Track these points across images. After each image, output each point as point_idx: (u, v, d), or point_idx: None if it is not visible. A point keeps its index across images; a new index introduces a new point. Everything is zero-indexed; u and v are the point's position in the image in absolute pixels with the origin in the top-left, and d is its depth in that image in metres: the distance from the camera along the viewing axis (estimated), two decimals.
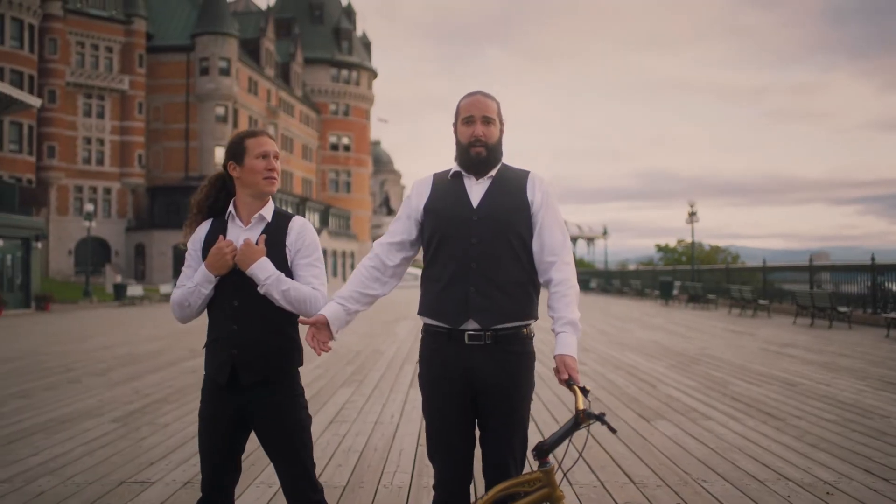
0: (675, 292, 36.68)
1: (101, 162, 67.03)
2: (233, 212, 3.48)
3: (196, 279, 3.41)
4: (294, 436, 3.41)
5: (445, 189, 3.37)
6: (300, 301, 3.35)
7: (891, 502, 5.29)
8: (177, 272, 64.18)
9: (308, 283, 3.40)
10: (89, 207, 43.64)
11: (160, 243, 67.58)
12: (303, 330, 3.39)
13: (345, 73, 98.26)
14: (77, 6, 65.18)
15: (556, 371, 3.17)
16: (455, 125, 3.43)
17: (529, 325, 3.34)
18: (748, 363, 13.14)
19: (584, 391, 2.98)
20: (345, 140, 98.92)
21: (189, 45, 71.16)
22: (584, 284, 57.86)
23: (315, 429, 7.78)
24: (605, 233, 71.48)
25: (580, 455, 3.33)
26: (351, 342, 16.63)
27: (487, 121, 3.37)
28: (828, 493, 5.53)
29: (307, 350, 3.56)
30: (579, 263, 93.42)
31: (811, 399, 9.48)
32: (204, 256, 3.42)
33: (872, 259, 22.32)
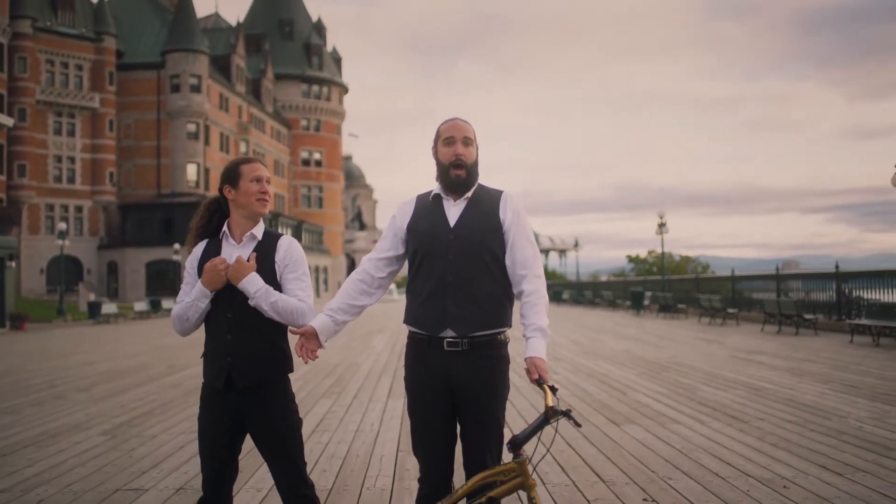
0: (646, 302, 37.19)
1: (72, 180, 66.90)
2: (226, 231, 3.82)
3: (193, 294, 3.73)
4: (286, 436, 3.72)
5: (426, 210, 3.73)
6: (287, 312, 3.65)
7: (843, 494, 5.67)
8: (150, 290, 64.17)
9: (295, 295, 3.71)
10: (62, 226, 43.54)
11: (133, 261, 67.48)
12: (293, 339, 3.72)
13: (315, 88, 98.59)
14: (47, 24, 65.10)
15: (528, 372, 3.52)
16: (435, 148, 3.78)
17: (504, 331, 3.68)
18: (716, 370, 13.56)
19: (553, 389, 3.33)
20: (316, 155, 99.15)
21: (160, 62, 71.27)
22: (556, 296, 58.34)
23: None
24: (576, 245, 72.13)
25: (548, 450, 3.68)
26: (329, 355, 16.89)
27: (467, 141, 3.73)
28: (784, 486, 5.91)
29: (294, 360, 3.88)
30: (552, 275, 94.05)
31: (774, 402, 9.89)
32: (200, 274, 3.74)
33: (837, 267, 22.90)
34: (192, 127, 71.41)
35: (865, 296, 21.40)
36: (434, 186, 3.79)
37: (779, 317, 22.32)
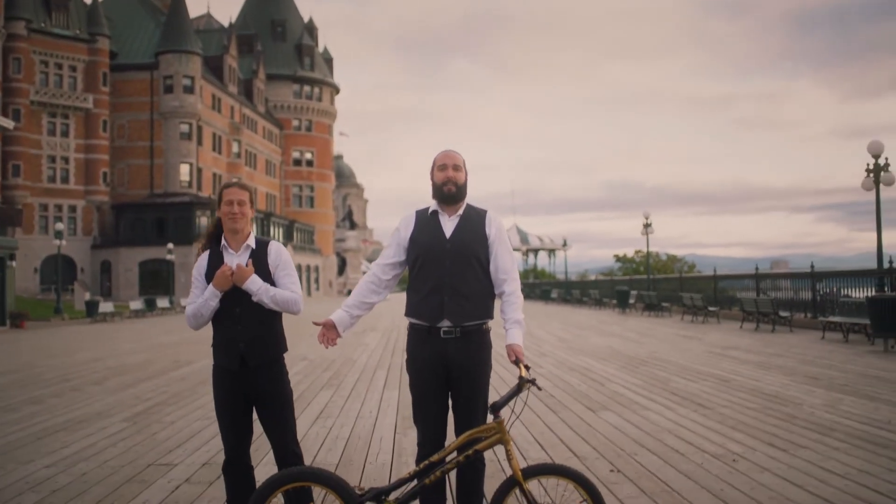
0: (631, 301, 38.10)
1: (65, 180, 67.53)
2: (225, 244, 4.76)
3: (206, 295, 4.66)
4: (284, 403, 4.69)
5: (426, 224, 4.62)
6: (284, 302, 4.63)
7: (782, 465, 6.56)
8: (143, 289, 65.03)
9: (287, 288, 4.67)
10: (59, 226, 44.24)
11: (126, 260, 68.18)
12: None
13: (307, 88, 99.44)
14: (41, 26, 65.70)
15: (508, 354, 4.42)
16: (432, 172, 4.69)
17: (487, 322, 4.59)
18: (691, 364, 14.45)
19: (527, 367, 4.23)
20: (307, 155, 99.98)
21: (153, 63, 71.99)
22: (545, 295, 59.29)
23: (304, 423, 8.96)
24: (564, 244, 73.13)
25: (517, 416, 4.58)
26: (325, 352, 17.71)
27: (457, 167, 4.64)
28: (734, 460, 6.80)
29: (286, 355, 4.79)
30: (541, 274, 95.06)
31: (740, 392, 10.78)
32: (208, 280, 4.68)
33: (812, 267, 23.86)
34: (184, 127, 72.10)
35: (854, 294, 22.12)
36: (431, 204, 4.67)
37: (756, 315, 23.25)
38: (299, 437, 7.94)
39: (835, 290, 23.07)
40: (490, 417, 4.28)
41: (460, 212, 4.62)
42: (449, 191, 4.58)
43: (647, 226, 41.48)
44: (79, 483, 6.48)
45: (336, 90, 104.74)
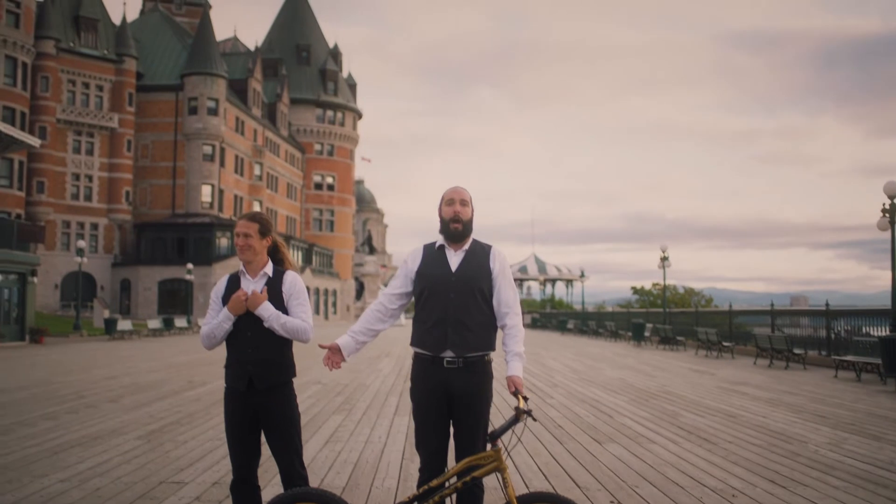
0: (647, 334, 38.08)
1: (88, 198, 68.31)
2: (243, 270, 5.00)
3: (220, 318, 4.88)
4: (291, 426, 4.86)
5: (433, 257, 4.80)
6: (294, 330, 4.80)
7: (781, 502, 6.67)
8: (161, 308, 65.50)
9: (298, 316, 4.86)
10: (81, 244, 44.77)
11: (146, 279, 68.71)
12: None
13: (330, 113, 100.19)
14: (70, 45, 66.75)
15: (508, 386, 4.59)
16: (440, 207, 4.87)
17: (489, 353, 4.75)
18: (701, 398, 14.52)
19: (525, 399, 4.39)
20: (329, 179, 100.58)
21: (178, 84, 72.85)
22: (561, 325, 59.27)
23: (314, 446, 9.13)
24: (582, 275, 73.10)
25: (518, 439, 4.72)
26: (338, 376, 17.89)
27: (463, 203, 4.83)
28: (733, 495, 6.91)
29: (300, 380, 4.96)
30: (558, 304, 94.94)
31: (746, 428, 10.86)
32: (224, 303, 4.90)
33: (827, 305, 23.85)
34: (207, 149, 72.84)
35: (874, 332, 21.89)
36: (438, 238, 4.85)
37: (770, 351, 23.26)
38: (309, 459, 8.18)
39: (854, 328, 22.97)
40: (489, 446, 4.44)
41: (466, 246, 4.80)
42: (455, 229, 4.76)
43: (664, 259, 41.52)
44: (92, 498, 6.66)
45: (359, 115, 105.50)
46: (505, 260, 4.86)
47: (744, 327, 31.51)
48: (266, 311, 4.78)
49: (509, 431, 4.33)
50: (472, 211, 4.86)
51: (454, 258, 4.77)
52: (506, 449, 4.43)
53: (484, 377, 4.71)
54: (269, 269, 4.96)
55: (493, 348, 4.76)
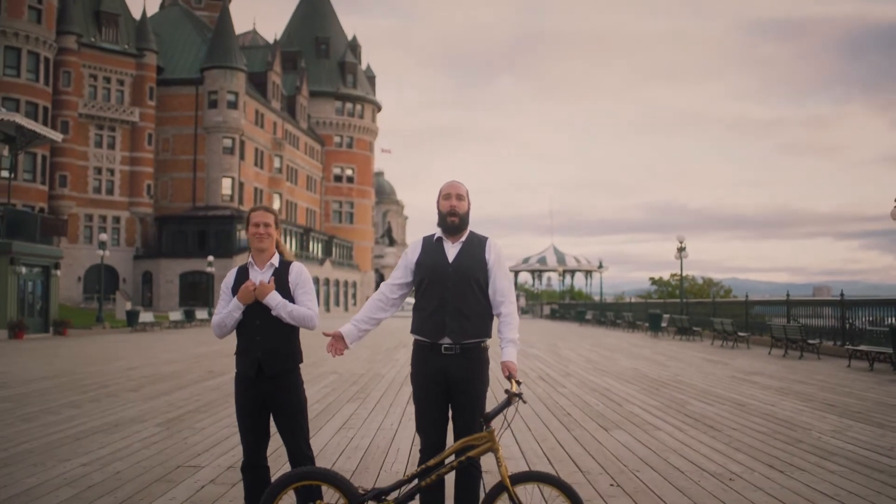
0: (663, 324, 38.19)
1: (110, 191, 68.97)
2: (251, 261, 5.27)
3: (230, 307, 5.15)
4: (298, 410, 5.15)
5: (431, 249, 5.05)
6: (300, 317, 5.07)
7: (776, 486, 6.87)
8: (183, 300, 66.16)
9: (305, 305, 5.12)
10: (103, 237, 45.26)
11: (167, 271, 69.33)
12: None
13: (349, 105, 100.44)
14: (91, 40, 67.31)
15: (502, 370, 4.82)
16: (438, 201, 5.10)
17: (485, 340, 4.99)
18: (711, 387, 14.70)
19: (518, 383, 4.62)
20: (348, 171, 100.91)
21: (198, 78, 73.36)
22: (580, 316, 59.40)
23: (326, 433, 9.41)
24: (600, 266, 73.22)
25: (508, 425, 4.97)
26: (355, 367, 18.17)
27: (460, 197, 5.07)
28: (731, 479, 7.13)
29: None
30: (577, 295, 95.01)
31: (752, 416, 11.04)
32: (234, 294, 5.17)
33: (842, 295, 23.93)
34: (227, 142, 73.34)
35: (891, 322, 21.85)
36: (436, 231, 5.09)
37: (785, 341, 23.37)
38: (322, 445, 8.45)
39: (876, 318, 22.87)
40: (484, 428, 4.67)
41: (463, 238, 5.03)
42: (452, 222, 5.00)
43: (681, 249, 41.61)
44: (112, 480, 6.96)
45: (378, 108, 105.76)
46: (500, 251, 5.09)
47: (761, 318, 31.57)
48: (274, 299, 5.03)
49: (502, 414, 4.57)
50: (469, 205, 5.09)
51: (451, 250, 5.00)
52: (501, 430, 4.66)
53: (480, 363, 4.94)
54: (275, 260, 5.21)
55: (489, 335, 5.00)
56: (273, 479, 4.97)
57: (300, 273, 5.23)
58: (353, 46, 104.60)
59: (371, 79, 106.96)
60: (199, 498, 6.41)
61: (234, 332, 5.21)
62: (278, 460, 7.24)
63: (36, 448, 8.48)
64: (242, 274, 5.23)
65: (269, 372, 5.05)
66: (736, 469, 7.54)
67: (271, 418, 5.17)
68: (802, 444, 8.88)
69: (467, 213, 5.07)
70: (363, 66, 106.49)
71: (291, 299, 5.12)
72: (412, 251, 5.13)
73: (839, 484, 6.94)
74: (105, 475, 7.16)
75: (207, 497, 6.44)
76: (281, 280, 5.15)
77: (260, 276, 5.17)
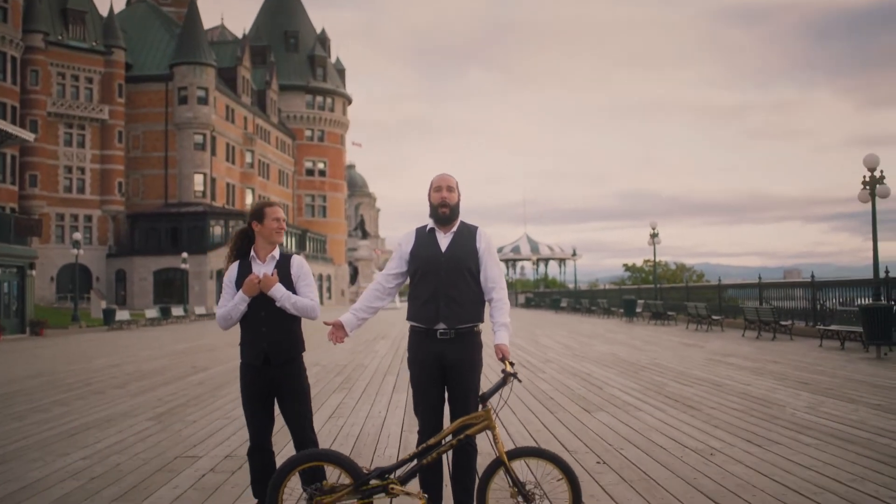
0: (638, 310, 38.62)
1: (81, 190, 68.62)
2: (254, 255, 5.46)
3: (235, 300, 5.34)
4: (302, 396, 5.39)
5: (424, 240, 5.28)
6: (303, 308, 5.30)
7: (755, 459, 7.17)
8: (157, 297, 66.07)
9: (307, 296, 5.36)
10: (77, 236, 45.16)
11: (141, 269, 69.12)
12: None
13: (319, 99, 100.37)
14: (58, 38, 66.88)
15: (496, 353, 5.07)
16: (429, 193, 5.33)
17: (478, 325, 5.24)
18: (688, 370, 15.04)
19: (511, 364, 4.88)
20: (320, 165, 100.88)
21: (167, 74, 73.07)
22: (555, 304, 59.88)
23: (316, 422, 9.42)
24: (574, 254, 73.71)
25: (505, 402, 5.22)
26: (337, 358, 18.37)
27: (450, 189, 5.30)
28: (711, 454, 7.42)
29: (309, 353, 5.46)
30: (552, 283, 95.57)
31: (730, 395, 11.37)
32: (237, 287, 5.36)
33: (812, 277, 24.42)
34: (199, 138, 73.14)
35: (861, 303, 22.32)
36: (428, 222, 5.32)
37: (758, 323, 23.81)
38: None
39: (847, 299, 23.33)
40: (480, 407, 4.92)
41: (454, 229, 5.27)
42: (443, 213, 5.23)
43: (654, 235, 42.07)
44: (114, 472, 7.15)
45: (348, 100, 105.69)
46: (490, 240, 5.33)
47: (734, 301, 32.07)
48: (278, 292, 5.25)
49: (497, 393, 4.82)
50: (459, 196, 5.33)
51: (444, 240, 5.23)
52: (497, 408, 4.92)
53: (474, 346, 5.19)
54: (276, 253, 5.43)
55: (481, 320, 5.24)
56: (278, 463, 5.20)
57: (301, 266, 5.46)
58: (323, 40, 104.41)
59: (341, 72, 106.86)
60: (201, 485, 6.61)
61: (238, 323, 5.41)
62: (278, 445, 7.44)
63: (32, 444, 8.64)
64: (245, 267, 5.42)
65: (275, 361, 5.27)
66: (716, 445, 7.84)
67: (276, 404, 5.40)
68: (778, 420, 9.20)
69: (457, 204, 5.31)
70: (332, 60, 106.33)
71: (293, 291, 5.33)
72: (406, 242, 5.36)
73: (815, 455, 7.25)
74: (106, 467, 7.34)
75: (209, 484, 6.64)
76: (283, 272, 5.36)
77: (263, 268, 5.36)
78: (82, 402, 12.08)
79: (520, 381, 4.89)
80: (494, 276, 5.26)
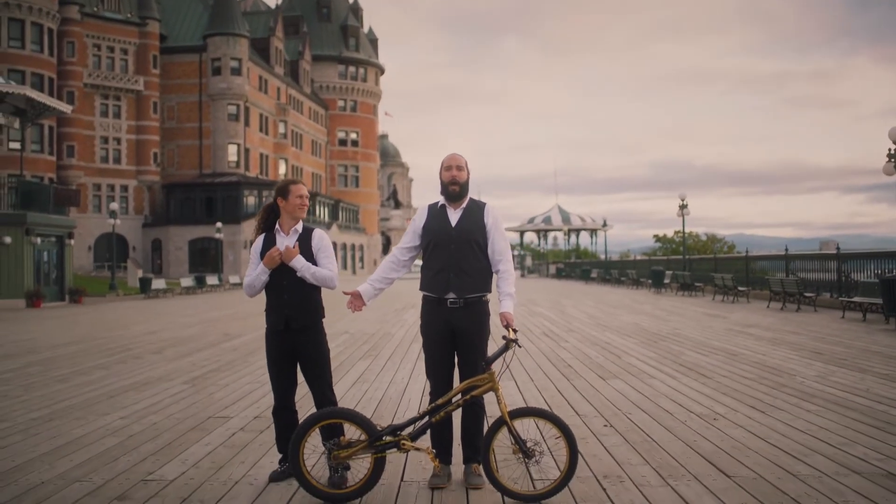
0: (666, 281, 38.83)
1: (118, 160, 69.69)
2: (278, 228, 5.91)
3: (259, 270, 5.82)
4: (321, 359, 5.85)
5: (436, 215, 5.71)
6: (323, 278, 5.75)
7: (756, 423, 7.54)
8: (192, 266, 67.04)
9: (326, 267, 5.80)
10: (113, 206, 46.10)
11: (176, 238, 70.15)
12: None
13: (352, 69, 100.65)
14: (93, 10, 67.69)
15: (500, 320, 5.48)
16: (440, 172, 5.75)
17: (486, 294, 5.67)
18: (708, 340, 15.36)
19: (515, 331, 5.28)
20: (353, 135, 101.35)
21: (201, 45, 73.68)
22: (585, 274, 60.16)
23: (342, 387, 10.09)
24: (604, 224, 73.79)
25: (507, 365, 5.64)
26: (365, 327, 18.88)
27: (460, 168, 5.73)
28: (714, 419, 7.80)
29: (330, 330, 5.90)
30: (583, 254, 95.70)
31: (743, 364, 11.71)
32: (261, 258, 5.81)
33: (838, 248, 24.57)
34: (232, 108, 73.84)
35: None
36: (440, 199, 5.73)
37: (783, 294, 24.02)
38: (337, 398, 9.12)
39: (884, 270, 23.24)
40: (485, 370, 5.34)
41: (464, 205, 5.69)
42: (453, 191, 5.66)
43: (682, 207, 42.16)
44: (150, 430, 7.66)
45: (381, 70, 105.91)
46: (497, 215, 5.74)
47: (762, 273, 32.19)
48: (298, 262, 5.70)
49: (500, 358, 5.24)
50: (468, 174, 5.73)
51: (454, 215, 5.65)
52: (501, 371, 5.33)
53: (482, 315, 5.62)
54: (299, 226, 5.87)
55: (489, 290, 5.67)
56: (300, 421, 5.66)
57: (322, 239, 5.88)
58: (355, 9, 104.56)
59: (373, 42, 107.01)
60: (231, 443, 7.10)
61: (264, 291, 5.85)
62: (303, 406, 7.92)
63: (76, 404, 9.18)
64: (269, 239, 5.87)
65: (296, 326, 5.72)
66: (721, 410, 8.21)
67: (298, 368, 5.85)
68: (786, 388, 9.54)
69: (467, 182, 5.71)
70: (365, 29, 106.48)
71: (314, 262, 5.76)
72: (419, 217, 5.79)
73: (813, 421, 7.60)
74: (143, 426, 7.86)
75: (239, 442, 7.13)
76: (304, 245, 5.80)
77: (286, 241, 5.81)
78: (122, 367, 12.65)
79: (520, 346, 5.30)
80: (501, 249, 5.66)
